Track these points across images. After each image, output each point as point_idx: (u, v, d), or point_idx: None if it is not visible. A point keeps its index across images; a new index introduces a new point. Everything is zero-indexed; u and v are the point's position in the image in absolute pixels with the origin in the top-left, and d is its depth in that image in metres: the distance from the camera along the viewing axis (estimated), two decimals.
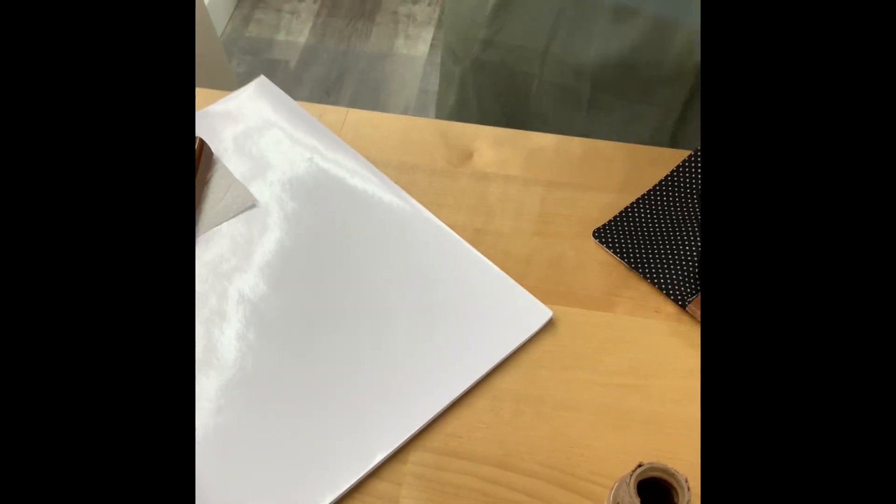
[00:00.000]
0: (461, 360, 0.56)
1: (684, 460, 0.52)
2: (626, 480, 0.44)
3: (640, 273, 0.61)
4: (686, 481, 0.44)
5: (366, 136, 0.70)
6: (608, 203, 0.66)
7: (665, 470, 0.44)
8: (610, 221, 0.64)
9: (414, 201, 0.65)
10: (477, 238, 0.64)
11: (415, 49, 1.94)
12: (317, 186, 0.66)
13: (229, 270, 0.60)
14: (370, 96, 1.80)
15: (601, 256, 0.63)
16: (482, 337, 0.57)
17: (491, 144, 0.70)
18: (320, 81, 1.86)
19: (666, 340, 0.58)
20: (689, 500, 0.43)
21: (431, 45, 1.94)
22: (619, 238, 0.63)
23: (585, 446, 0.53)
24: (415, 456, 0.53)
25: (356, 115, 0.72)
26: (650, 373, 0.57)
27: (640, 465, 0.44)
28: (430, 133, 0.71)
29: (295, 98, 0.72)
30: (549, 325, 0.59)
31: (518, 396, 0.55)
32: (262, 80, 0.73)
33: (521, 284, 0.60)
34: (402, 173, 0.68)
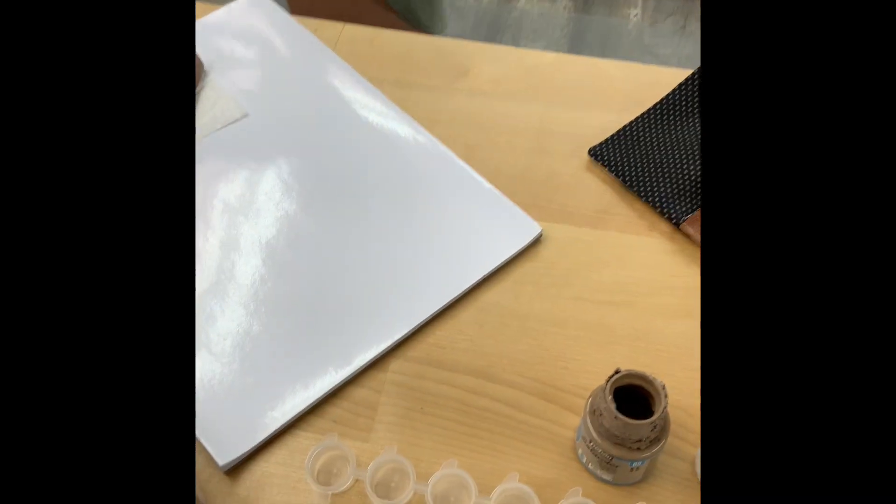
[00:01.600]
0: (447, 272, 0.55)
1: (670, 375, 0.51)
2: (602, 387, 0.44)
3: (635, 191, 0.59)
4: (664, 388, 0.43)
5: (361, 53, 0.69)
6: (607, 122, 0.64)
7: (642, 377, 0.44)
8: (607, 140, 0.62)
9: (407, 116, 0.63)
10: (469, 153, 0.62)
11: None
12: (310, 101, 0.64)
13: (218, 181, 0.60)
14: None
15: (596, 175, 0.61)
16: (470, 250, 0.56)
17: (489, 61, 0.68)
18: None
19: (658, 258, 0.57)
20: (665, 407, 0.43)
21: None
22: (615, 156, 0.61)
23: (569, 360, 0.52)
24: (396, 364, 0.52)
25: (351, 30, 0.70)
26: (640, 290, 0.55)
27: (617, 372, 0.44)
28: (427, 50, 0.69)
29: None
30: (538, 242, 0.58)
31: (503, 310, 0.55)
32: None
33: (513, 200, 0.59)
34: (397, 89, 0.66)
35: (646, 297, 0.55)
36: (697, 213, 0.57)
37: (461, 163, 0.61)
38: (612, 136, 0.62)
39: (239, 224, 0.58)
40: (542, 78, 0.67)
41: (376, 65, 0.68)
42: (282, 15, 0.70)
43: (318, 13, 0.72)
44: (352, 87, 0.65)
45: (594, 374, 0.51)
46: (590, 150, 0.62)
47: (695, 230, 0.57)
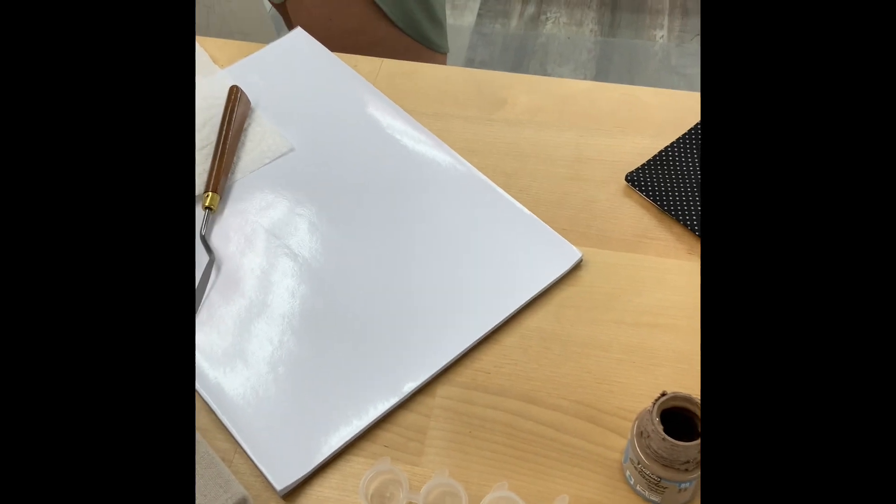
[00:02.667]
0: (490, 299, 0.57)
1: None
2: (649, 409, 0.44)
3: (673, 215, 0.60)
4: None
5: (399, 86, 0.71)
6: (643, 148, 0.65)
7: (688, 399, 0.44)
8: (644, 165, 0.63)
9: (447, 147, 0.65)
10: (508, 182, 0.64)
11: (461, 19, 1.93)
12: (352, 133, 0.67)
13: (266, 213, 0.62)
14: None
15: (634, 200, 0.62)
16: (512, 277, 0.58)
17: (524, 91, 0.70)
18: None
19: (697, 281, 0.58)
20: None
21: (478, 14, 1.93)
22: (652, 181, 0.62)
23: (613, 383, 0.53)
24: (443, 390, 0.54)
25: (390, 65, 0.72)
26: (681, 313, 0.56)
27: (663, 395, 0.45)
28: (464, 82, 0.71)
29: None
30: (578, 267, 0.59)
31: (546, 335, 0.56)
32: (298, 31, 0.74)
33: (552, 227, 0.60)
34: (435, 121, 0.68)
35: (687, 319, 0.56)
36: None
37: (500, 191, 0.62)
38: (649, 161, 0.63)
39: (287, 255, 0.60)
40: (576, 106, 0.69)
41: (414, 97, 0.70)
42: (323, 51, 0.73)
43: (333, 35, 0.74)
44: (392, 119, 0.67)
45: (638, 397, 0.52)
46: (626, 176, 0.63)
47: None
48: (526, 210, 0.61)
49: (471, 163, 0.65)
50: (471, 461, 0.50)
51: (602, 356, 0.55)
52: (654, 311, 0.56)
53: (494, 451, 0.51)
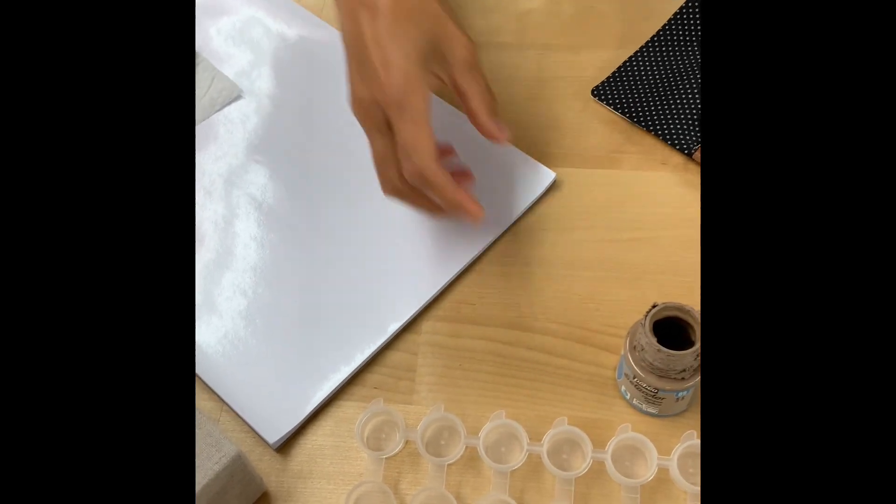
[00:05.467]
0: (468, 230, 0.55)
1: (699, 304, 0.51)
2: (641, 322, 0.44)
3: (643, 126, 0.59)
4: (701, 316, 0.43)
5: None
6: (606, 61, 0.63)
7: (680, 308, 0.44)
8: (608, 78, 0.62)
9: None
10: None
11: None
12: (303, 71, 0.63)
13: (223, 163, 0.59)
14: None
15: (602, 115, 0.61)
16: (487, 204, 0.55)
17: (479, 12, 0.67)
18: None
19: (673, 191, 0.57)
20: None
21: None
22: (619, 94, 0.61)
23: (599, 301, 0.53)
24: (428, 325, 0.52)
25: None
26: (659, 224, 0.56)
27: (654, 306, 0.44)
28: None
29: None
30: (553, 188, 0.58)
31: (527, 259, 0.55)
32: None
33: (521, 150, 0.59)
34: None
35: (666, 230, 0.55)
36: None
37: (466, 120, 0.60)
38: (613, 74, 0.62)
39: (250, 203, 0.57)
40: (534, 23, 0.66)
41: None
42: None
43: None
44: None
45: (625, 312, 0.52)
46: (592, 91, 0.61)
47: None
48: None
49: (434, 93, 0.62)
50: (464, 394, 0.50)
51: (585, 275, 0.54)
52: (633, 225, 0.56)
53: (486, 382, 0.50)
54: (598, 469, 0.46)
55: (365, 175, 0.57)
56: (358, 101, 0.46)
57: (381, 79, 0.44)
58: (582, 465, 0.46)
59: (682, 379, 0.44)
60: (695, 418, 0.48)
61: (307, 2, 0.68)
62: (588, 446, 0.46)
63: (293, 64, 0.64)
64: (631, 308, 0.52)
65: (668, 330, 0.44)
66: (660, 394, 0.45)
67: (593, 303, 0.53)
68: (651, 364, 0.44)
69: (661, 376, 0.44)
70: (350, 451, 0.48)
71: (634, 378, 0.46)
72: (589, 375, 0.50)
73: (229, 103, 0.62)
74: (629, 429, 0.46)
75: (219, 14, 0.67)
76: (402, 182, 0.48)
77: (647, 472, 0.45)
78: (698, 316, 0.43)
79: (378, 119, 0.46)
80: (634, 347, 0.45)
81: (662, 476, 0.46)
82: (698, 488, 0.44)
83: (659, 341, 0.43)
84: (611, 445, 0.46)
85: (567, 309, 0.52)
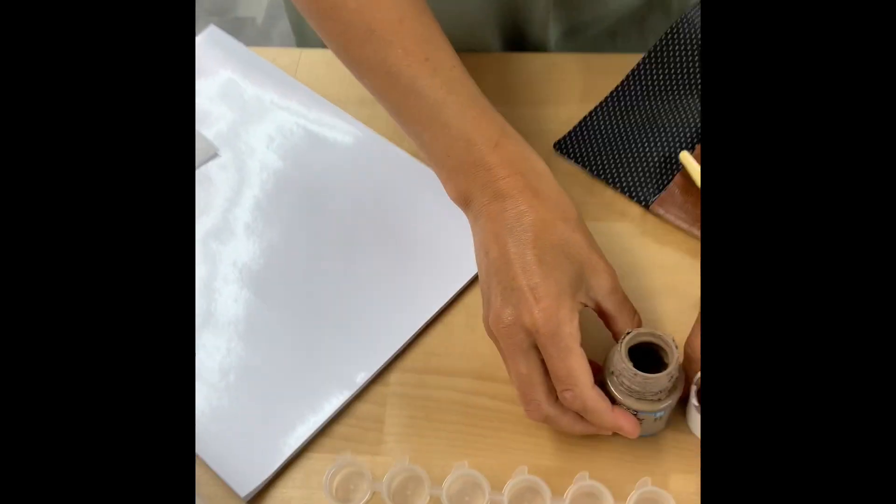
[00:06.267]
0: (434, 281, 0.57)
1: None
2: (617, 348, 0.46)
3: (603, 179, 0.61)
4: (673, 341, 0.46)
5: (321, 76, 0.70)
6: (568, 115, 0.66)
7: (653, 334, 0.47)
8: (570, 132, 0.64)
9: (375, 133, 0.65)
10: None
11: None
12: (277, 131, 0.66)
13: (199, 221, 0.61)
14: None
15: (564, 168, 0.63)
16: (453, 256, 0.58)
17: None
18: (289, 35, 1.84)
19: (633, 241, 0.59)
20: (678, 357, 0.45)
21: None
22: (580, 148, 0.63)
23: None
24: (396, 377, 0.54)
25: (309, 55, 0.72)
26: (620, 274, 0.57)
27: (628, 332, 0.46)
28: None
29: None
30: None
31: None
32: (211, 30, 0.72)
33: None
34: (362, 108, 0.68)
35: (627, 280, 0.57)
36: (664, 194, 0.59)
37: (432, 173, 0.62)
38: (574, 128, 0.64)
39: (224, 260, 0.59)
40: (500, 78, 0.69)
41: (338, 85, 0.69)
42: (239, 47, 0.71)
43: None
44: (317, 112, 0.67)
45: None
46: (554, 145, 0.64)
47: (664, 210, 0.59)
48: None
49: (400, 147, 0.65)
50: (430, 444, 0.51)
51: None
52: None
53: (452, 432, 0.52)
54: None
55: (334, 237, 0.60)
56: (501, 323, 0.46)
57: (533, 307, 0.45)
58: None
59: (659, 400, 0.47)
60: (670, 433, 0.50)
61: (282, 62, 0.71)
62: (547, 494, 0.48)
63: (269, 123, 0.66)
64: (596, 356, 0.54)
65: (642, 354, 0.47)
66: (639, 415, 0.47)
67: None
68: (628, 388, 0.46)
69: (638, 398, 0.47)
70: (319, 503, 0.49)
71: (614, 403, 0.47)
72: None
73: (206, 161, 0.64)
74: (587, 476, 0.48)
75: (197, 75, 0.70)
76: (550, 405, 0.47)
77: None
78: (670, 340, 0.46)
79: (524, 343, 0.46)
80: (612, 373, 0.47)
81: None
82: None
83: (634, 366, 0.45)
84: (569, 493, 0.47)
85: None
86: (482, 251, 0.48)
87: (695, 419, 0.49)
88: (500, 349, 0.48)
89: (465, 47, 0.66)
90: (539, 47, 0.72)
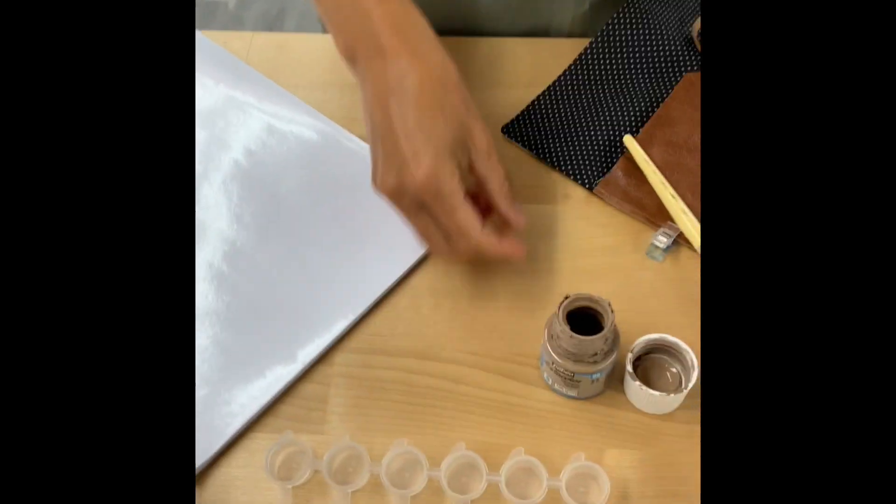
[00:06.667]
0: (380, 264, 0.58)
1: None
2: (556, 313, 0.47)
3: (548, 163, 0.62)
4: (609, 305, 0.47)
5: (273, 60, 0.70)
6: (517, 99, 0.66)
7: (590, 298, 0.48)
8: (517, 116, 0.65)
9: (326, 118, 0.66)
10: None
11: None
12: (228, 117, 0.66)
13: None
14: (315, 28, 1.78)
15: (511, 152, 0.64)
16: (398, 241, 0.59)
17: None
18: (261, 19, 1.83)
19: (576, 224, 0.60)
20: (613, 321, 0.47)
21: None
22: (526, 132, 0.64)
23: (503, 330, 0.56)
24: (340, 357, 0.55)
25: (262, 38, 0.72)
26: (561, 256, 0.59)
27: (566, 297, 0.47)
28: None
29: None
30: None
31: (436, 292, 0.58)
32: None
33: None
34: (312, 92, 0.68)
35: (568, 261, 0.58)
36: (608, 177, 0.60)
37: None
38: (521, 112, 0.65)
39: None
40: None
41: (290, 70, 0.70)
42: None
43: None
44: (268, 98, 0.67)
45: (528, 340, 0.55)
46: (502, 129, 0.65)
47: (608, 192, 0.60)
48: None
49: (351, 132, 0.65)
50: (372, 423, 0.52)
51: (490, 306, 0.57)
52: (537, 257, 0.59)
53: (394, 411, 0.53)
54: (493, 491, 0.49)
55: (282, 221, 0.60)
56: (387, 187, 0.50)
57: (415, 172, 0.48)
58: (479, 488, 0.48)
59: (595, 362, 0.48)
60: (610, 396, 0.52)
61: (233, 46, 0.71)
62: (484, 469, 0.49)
63: (218, 107, 0.67)
64: (533, 336, 0.55)
65: (582, 319, 0.48)
66: (576, 377, 0.49)
67: (497, 332, 0.56)
68: (566, 350, 0.48)
69: (576, 360, 0.48)
70: (261, 482, 0.50)
71: (553, 364, 0.49)
72: (490, 401, 0.53)
73: None
74: (522, 452, 0.49)
75: None
76: (451, 247, 0.52)
77: (539, 493, 0.48)
78: (607, 304, 0.47)
79: (412, 204, 0.50)
80: (552, 336, 0.49)
81: (554, 496, 0.48)
82: None
83: (572, 329, 0.46)
84: (504, 468, 0.48)
85: (472, 339, 0.55)
86: (367, 114, 0.51)
87: (631, 388, 0.50)
88: (398, 211, 0.52)
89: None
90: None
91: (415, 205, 0.50)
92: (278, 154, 0.64)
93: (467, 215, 0.49)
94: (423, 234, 0.52)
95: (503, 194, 0.53)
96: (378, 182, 0.50)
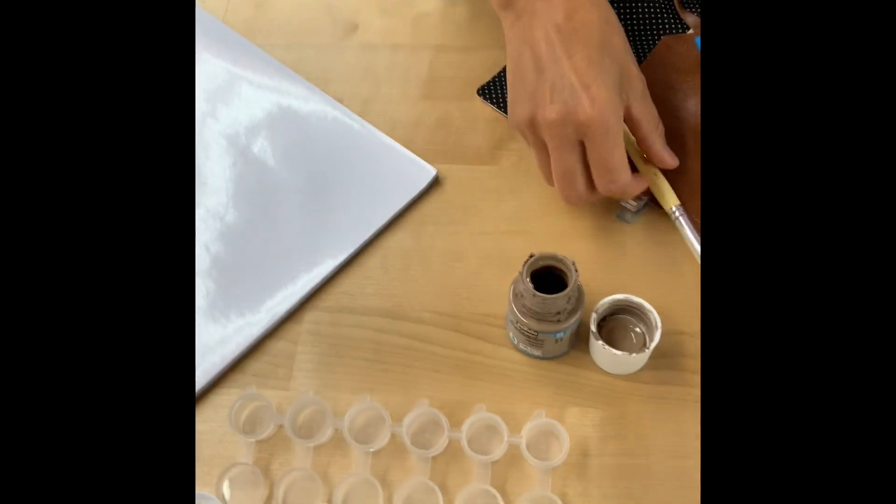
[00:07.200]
0: (351, 224, 0.58)
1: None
2: (520, 271, 0.47)
3: None
4: (574, 264, 0.47)
5: (250, 20, 0.70)
6: (494, 61, 0.66)
7: (555, 257, 0.48)
8: (493, 78, 0.64)
9: (301, 79, 0.65)
10: (365, 108, 0.64)
11: None
12: (203, 77, 0.66)
13: None
14: None
15: (486, 114, 0.64)
16: (370, 200, 0.59)
17: (377, 14, 0.70)
18: None
19: (548, 187, 0.60)
20: (576, 280, 0.47)
21: None
22: (502, 94, 0.64)
23: (472, 290, 0.56)
24: (309, 315, 0.55)
25: None
26: (533, 218, 0.59)
27: (531, 256, 0.47)
28: (315, 9, 0.71)
29: None
30: (436, 184, 0.60)
31: (406, 252, 0.58)
32: None
33: (410, 148, 0.62)
34: (288, 52, 0.68)
35: (538, 222, 0.58)
36: None
37: (357, 118, 0.63)
38: (498, 74, 0.65)
39: None
40: (430, 25, 0.69)
41: (266, 30, 0.69)
42: None
43: None
44: (243, 57, 0.66)
45: (496, 301, 0.55)
46: (478, 90, 0.64)
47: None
48: (381, 134, 0.62)
49: (326, 92, 0.65)
50: (338, 380, 0.53)
51: (460, 267, 0.57)
52: (508, 218, 0.59)
53: (360, 368, 0.53)
54: (455, 447, 0.49)
55: (256, 180, 0.60)
56: (549, 118, 0.49)
57: (587, 105, 0.48)
58: (440, 444, 0.49)
59: (558, 321, 0.48)
60: (574, 356, 0.52)
61: (209, 4, 0.71)
62: (446, 426, 0.49)
63: (196, 66, 0.66)
64: (502, 297, 0.55)
65: (547, 279, 0.48)
66: (540, 336, 0.49)
67: (466, 292, 0.56)
68: (530, 309, 0.48)
69: (539, 319, 0.48)
70: (226, 436, 0.51)
71: (517, 323, 0.49)
72: (456, 360, 0.53)
73: None
74: (483, 409, 0.49)
75: None
76: (587, 192, 0.53)
77: (499, 449, 0.48)
78: (570, 263, 0.47)
79: (572, 137, 0.50)
80: (516, 295, 0.49)
81: (514, 453, 0.49)
82: (545, 463, 0.48)
83: (536, 288, 0.46)
84: (466, 425, 0.49)
85: (441, 299, 0.55)
86: (526, 48, 0.51)
87: (595, 348, 0.50)
88: (532, 143, 0.53)
89: None
90: None
91: (574, 138, 0.50)
92: (251, 114, 0.64)
93: (624, 156, 0.50)
94: (567, 169, 0.51)
95: (658, 135, 0.53)
96: (539, 113, 0.50)
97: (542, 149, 0.53)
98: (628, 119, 0.52)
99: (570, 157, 0.51)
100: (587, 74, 0.48)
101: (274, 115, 0.63)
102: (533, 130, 0.52)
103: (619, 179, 0.51)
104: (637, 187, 0.53)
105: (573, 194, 0.53)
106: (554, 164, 0.52)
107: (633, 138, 0.58)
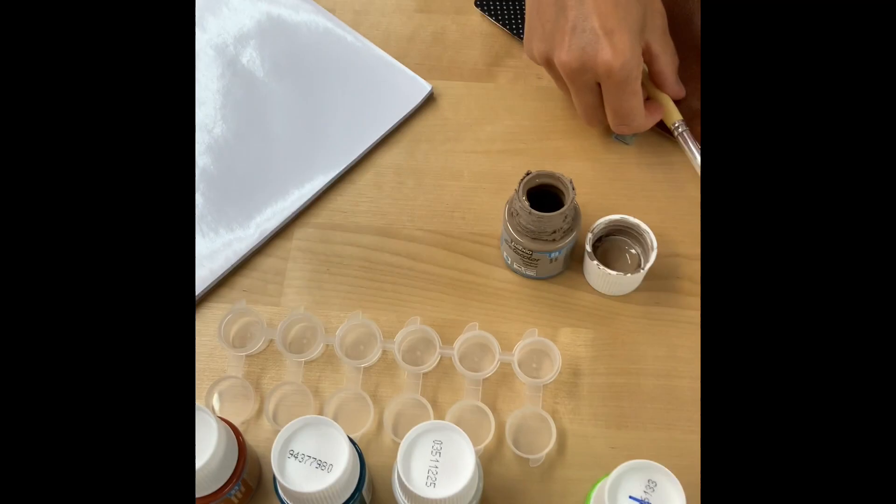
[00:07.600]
0: (343, 139, 0.56)
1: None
2: (516, 189, 0.46)
3: (522, 39, 0.60)
4: (571, 182, 0.46)
5: None
6: None
7: (551, 175, 0.47)
8: None
9: None
10: (357, 20, 0.62)
11: None
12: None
13: None
14: None
15: (484, 28, 0.62)
16: (364, 115, 0.57)
17: None
18: None
19: (545, 104, 0.58)
20: (573, 199, 0.46)
21: None
22: (501, 6, 0.61)
23: (466, 210, 0.55)
24: (300, 232, 0.54)
25: None
26: (530, 137, 0.57)
27: (528, 173, 0.46)
28: None
29: None
30: (431, 100, 0.59)
31: (400, 170, 0.56)
32: None
33: (404, 62, 0.60)
34: None
35: (537, 142, 0.57)
36: None
37: (349, 30, 0.61)
38: None
39: None
40: None
41: None
42: None
43: None
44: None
45: (490, 220, 0.54)
46: (476, 2, 0.62)
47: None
48: (374, 47, 0.60)
49: (319, 3, 0.62)
50: (329, 297, 0.52)
51: (454, 185, 0.56)
52: (504, 137, 0.57)
53: (351, 286, 0.52)
54: (447, 364, 0.49)
55: (246, 93, 0.58)
56: (570, 60, 0.48)
57: (608, 53, 0.47)
58: (432, 361, 0.49)
59: (554, 240, 0.47)
60: (569, 275, 0.52)
61: None
62: (438, 343, 0.49)
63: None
64: (496, 217, 0.54)
65: (544, 197, 0.47)
66: (534, 255, 0.48)
67: (460, 211, 0.55)
68: (525, 227, 0.47)
69: (534, 238, 0.47)
70: (216, 350, 0.50)
71: (512, 242, 0.48)
72: (448, 279, 0.52)
73: None
74: (476, 327, 0.49)
75: None
76: (608, 123, 0.53)
77: (491, 367, 0.48)
78: (568, 181, 0.46)
79: (591, 81, 0.49)
80: (512, 214, 0.48)
81: (505, 370, 0.49)
82: (536, 381, 0.47)
83: (532, 206, 0.45)
84: (458, 342, 0.49)
85: (435, 217, 0.55)
86: None
87: (589, 268, 0.50)
88: (548, 72, 0.53)
89: None
90: None
91: (593, 81, 0.50)
92: (240, 24, 0.61)
93: (640, 102, 0.50)
94: (587, 105, 0.52)
95: (672, 70, 0.53)
96: (558, 54, 0.49)
97: (559, 79, 0.52)
98: (646, 54, 0.51)
99: (588, 96, 0.51)
100: (611, 18, 0.47)
101: (263, 25, 0.61)
102: (549, 67, 0.51)
103: (634, 123, 0.51)
104: (649, 124, 0.53)
105: (595, 121, 0.53)
106: (574, 98, 0.52)
107: (645, 68, 0.56)
